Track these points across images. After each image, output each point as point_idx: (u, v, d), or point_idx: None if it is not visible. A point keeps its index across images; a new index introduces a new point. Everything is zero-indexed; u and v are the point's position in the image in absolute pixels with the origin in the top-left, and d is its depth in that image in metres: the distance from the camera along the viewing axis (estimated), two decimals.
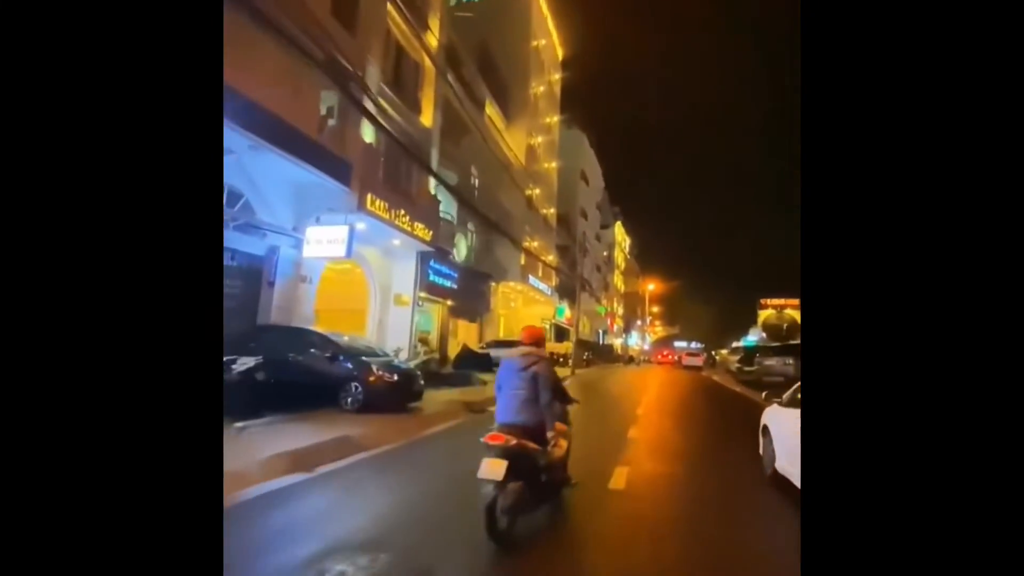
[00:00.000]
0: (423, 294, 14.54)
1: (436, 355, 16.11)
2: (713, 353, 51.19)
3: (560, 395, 3.32)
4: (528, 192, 23.13)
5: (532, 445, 2.93)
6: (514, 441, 2.83)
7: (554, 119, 27.62)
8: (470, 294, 17.97)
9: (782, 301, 43.92)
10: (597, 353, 35.16)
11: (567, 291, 32.49)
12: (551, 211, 26.65)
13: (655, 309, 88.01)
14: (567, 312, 30.78)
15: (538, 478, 3.01)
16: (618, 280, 54.32)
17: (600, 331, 47.23)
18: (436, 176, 12.61)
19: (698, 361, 39.01)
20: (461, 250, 16.57)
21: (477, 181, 20.50)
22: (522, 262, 21.66)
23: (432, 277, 14.56)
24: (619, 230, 55.32)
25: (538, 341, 3.32)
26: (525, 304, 26.29)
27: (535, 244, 23.46)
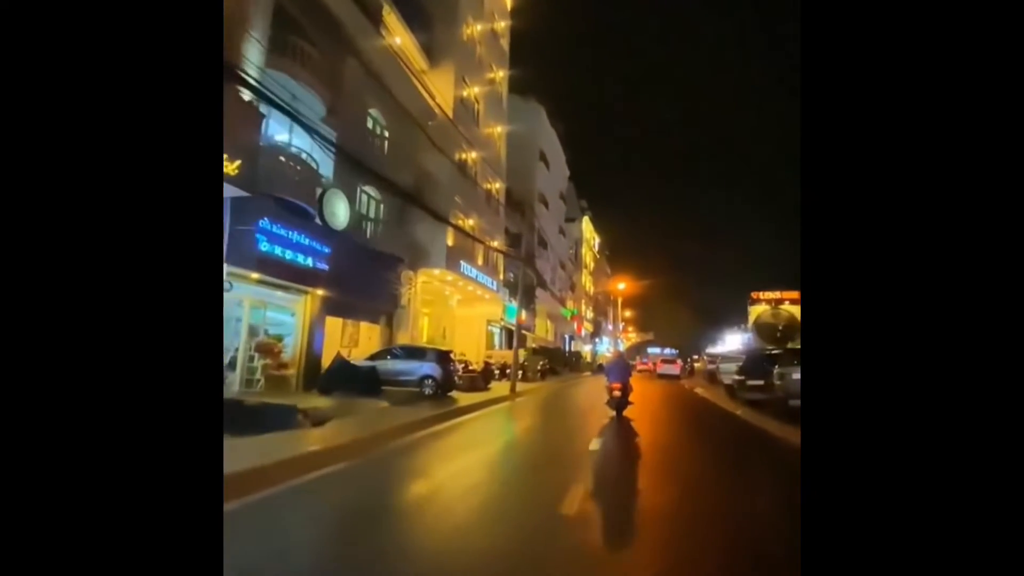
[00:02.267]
0: (254, 275, 9.14)
1: (290, 372, 10.66)
2: (692, 359, 46.94)
3: (630, 372, 10.10)
4: (462, 156, 17.98)
5: (624, 387, 9.45)
6: (620, 384, 9.41)
7: (499, 74, 22.70)
8: (363, 282, 12.61)
9: (777, 294, 38.54)
10: (559, 361, 30.09)
11: (522, 288, 27.42)
12: (496, 186, 21.60)
13: (627, 314, 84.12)
14: (521, 313, 25.67)
15: (627, 395, 9.46)
16: (586, 280, 49.64)
17: (566, 336, 42.28)
18: (254, 83, 7.23)
19: (675, 369, 34.31)
20: (338, 214, 11.23)
21: (386, 132, 15.24)
22: (449, 243, 16.41)
23: (270, 247, 9.16)
24: (587, 226, 50.76)
25: (622, 355, 15.29)
26: (467, 302, 21.06)
27: (471, 223, 18.27)
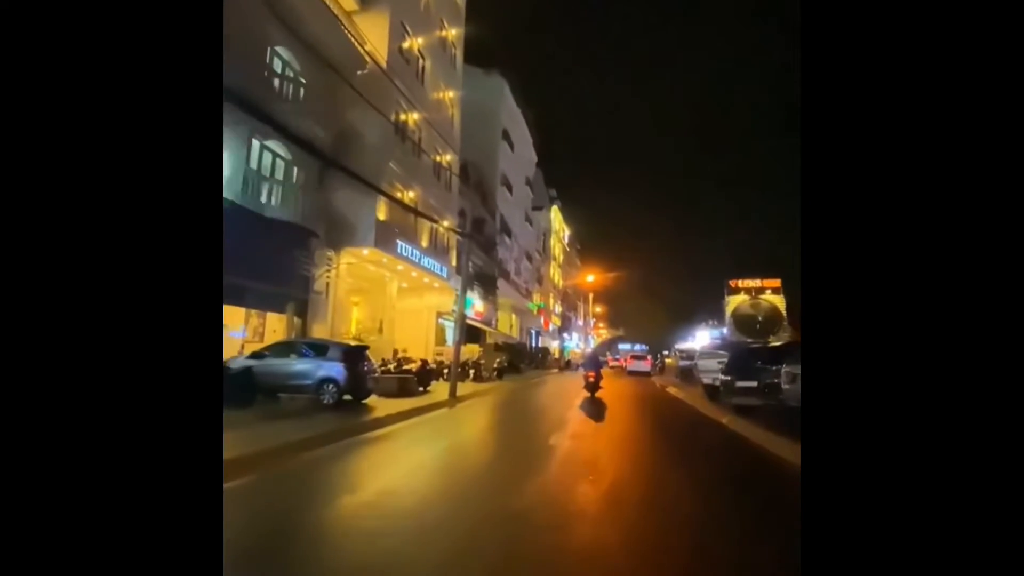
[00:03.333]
0: None
1: None
2: (664, 355, 45.31)
3: (601, 365, 14.74)
4: (402, 116, 15.27)
5: (597, 375, 13.41)
6: (594, 373, 13.39)
7: (452, 32, 19.98)
8: (257, 260, 9.81)
9: (758, 282, 36.15)
10: (522, 358, 27.68)
11: (481, 278, 24.86)
12: (448, 158, 18.89)
13: (598, 309, 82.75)
14: (477, 304, 23.07)
15: (599, 381, 13.32)
16: (555, 273, 47.39)
17: (533, 331, 39.96)
18: None
19: (645, 365, 32.46)
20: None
21: (302, 79, 12.40)
22: (381, 216, 13.69)
23: None
24: (557, 217, 48.49)
25: (596, 352, 18.58)
26: (413, 291, 18.37)
27: (411, 196, 15.57)
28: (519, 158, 33.86)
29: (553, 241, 47.06)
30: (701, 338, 52.79)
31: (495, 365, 18.90)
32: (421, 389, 12.36)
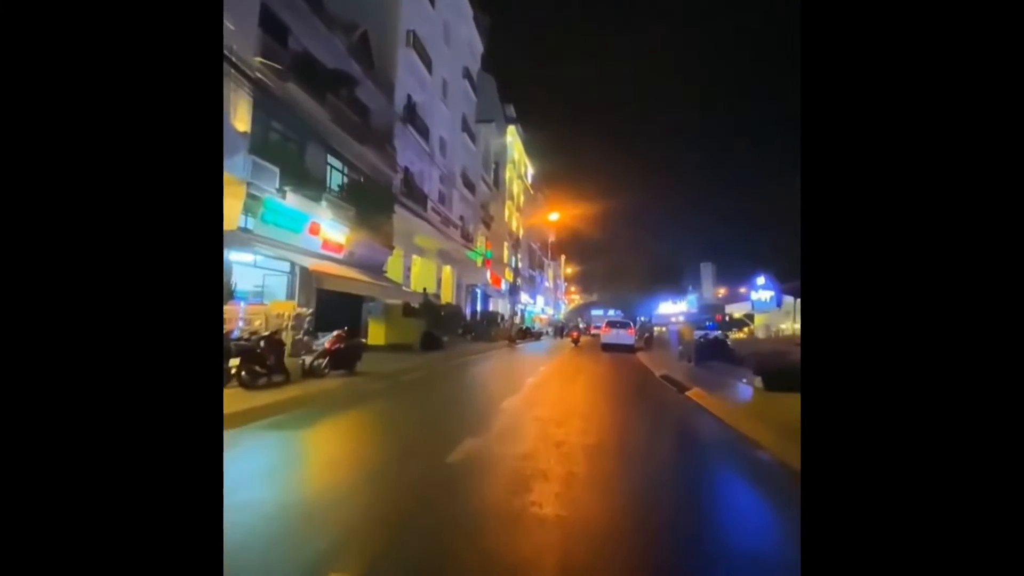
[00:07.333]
0: None
1: None
2: (646, 321, 36.07)
3: (581, 330, 34.86)
4: None
5: (579, 336, 29.00)
6: (577, 333, 29.68)
7: None
8: None
9: None
10: (450, 326, 17.52)
11: (355, 190, 14.40)
12: None
13: (569, 271, 73.66)
14: (326, 228, 12.70)
15: (580, 339, 28.15)
16: (511, 216, 37.04)
17: (478, 289, 29.86)
18: None
19: (627, 336, 22.74)
20: None
21: None
22: None
23: None
24: (516, 145, 37.78)
25: (576, 325, 40.72)
26: None
27: None
28: (449, 29, 22.86)
29: (510, 174, 36.51)
30: (676, 309, 44.73)
31: (328, 346, 8.77)
32: None
